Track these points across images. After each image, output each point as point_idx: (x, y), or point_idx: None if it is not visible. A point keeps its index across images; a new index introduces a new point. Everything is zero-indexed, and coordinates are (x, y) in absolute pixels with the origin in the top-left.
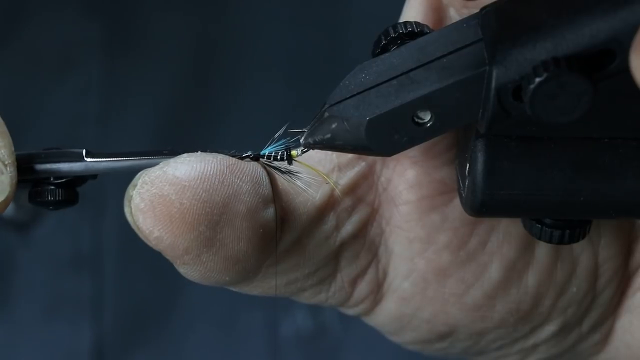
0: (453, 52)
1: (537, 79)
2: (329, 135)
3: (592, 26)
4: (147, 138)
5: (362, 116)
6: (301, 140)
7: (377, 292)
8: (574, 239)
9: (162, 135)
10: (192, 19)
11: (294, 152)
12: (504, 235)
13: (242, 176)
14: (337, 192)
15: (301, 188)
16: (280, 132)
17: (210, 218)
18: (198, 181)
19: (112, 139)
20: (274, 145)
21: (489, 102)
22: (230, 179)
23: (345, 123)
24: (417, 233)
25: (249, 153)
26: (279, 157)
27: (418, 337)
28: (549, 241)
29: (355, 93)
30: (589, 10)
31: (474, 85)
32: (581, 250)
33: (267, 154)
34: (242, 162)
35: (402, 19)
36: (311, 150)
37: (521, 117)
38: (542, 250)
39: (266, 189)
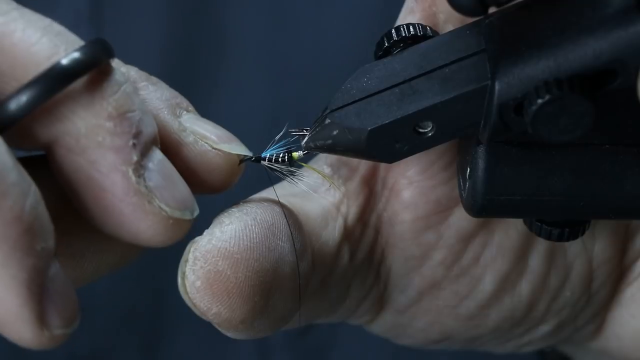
0: (455, 61)
1: (539, 100)
2: (330, 141)
3: (596, 46)
4: None
5: (364, 125)
6: (302, 144)
7: (377, 307)
8: (573, 236)
9: None
10: (176, 21)
11: (295, 154)
12: (497, 249)
13: (282, 236)
14: (339, 191)
15: (304, 189)
16: (281, 134)
17: (264, 287)
18: (249, 252)
19: None
20: (274, 147)
21: (491, 117)
22: (274, 242)
23: (347, 131)
24: (412, 252)
25: (250, 156)
26: (280, 159)
27: (414, 342)
28: (548, 238)
29: (357, 99)
30: (592, 30)
31: (476, 98)
32: (575, 257)
33: (267, 156)
34: (279, 219)
35: None
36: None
37: (522, 130)
38: (536, 260)
39: (298, 241)
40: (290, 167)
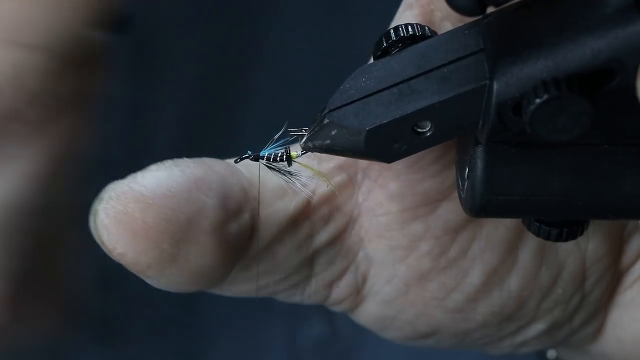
0: (453, 61)
1: (537, 100)
2: (328, 141)
3: (594, 46)
4: (174, 151)
5: (362, 125)
6: (300, 144)
7: (357, 295)
8: (571, 236)
9: (189, 148)
10: (212, 34)
11: (293, 153)
12: (486, 242)
13: (209, 192)
14: (337, 193)
15: (300, 189)
16: (280, 133)
17: (174, 236)
18: (163, 199)
19: (139, 155)
20: (273, 146)
21: (489, 116)
22: (196, 195)
23: (345, 131)
24: (399, 241)
25: (248, 154)
26: (278, 158)
27: (402, 335)
28: (547, 238)
29: (355, 99)
30: (591, 30)
31: (474, 98)
32: (567, 254)
33: (266, 155)
34: (211, 175)
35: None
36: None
37: (521, 130)
38: (526, 255)
39: (234, 202)
40: (289, 165)
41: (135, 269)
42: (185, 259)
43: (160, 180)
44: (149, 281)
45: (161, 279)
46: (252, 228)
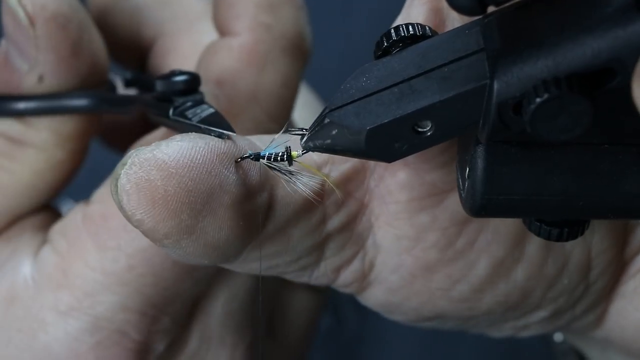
0: (454, 61)
1: (538, 100)
2: (329, 141)
3: (594, 45)
4: None
5: (363, 125)
6: (301, 144)
7: (363, 281)
8: (572, 236)
9: None
10: None
11: (294, 153)
12: (493, 234)
13: (230, 166)
14: (338, 193)
15: (301, 189)
16: (281, 132)
17: (193, 207)
18: (185, 169)
19: None
20: (275, 146)
21: (489, 116)
22: (218, 169)
23: (346, 131)
24: (405, 231)
25: (248, 154)
26: (279, 157)
27: (407, 318)
28: (548, 238)
29: (356, 99)
30: (591, 29)
31: (475, 97)
32: (573, 246)
33: (267, 154)
34: (234, 150)
35: (401, 20)
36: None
37: (521, 130)
38: (533, 247)
39: (254, 179)
40: (290, 165)
41: (152, 237)
42: (203, 231)
43: (184, 150)
44: (164, 250)
45: (177, 249)
46: (270, 207)
